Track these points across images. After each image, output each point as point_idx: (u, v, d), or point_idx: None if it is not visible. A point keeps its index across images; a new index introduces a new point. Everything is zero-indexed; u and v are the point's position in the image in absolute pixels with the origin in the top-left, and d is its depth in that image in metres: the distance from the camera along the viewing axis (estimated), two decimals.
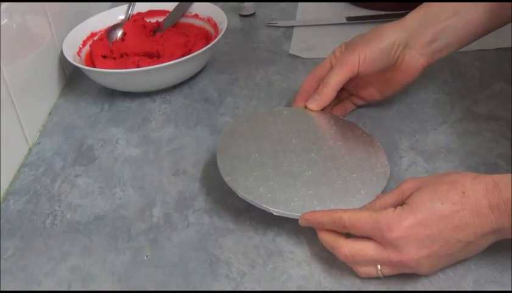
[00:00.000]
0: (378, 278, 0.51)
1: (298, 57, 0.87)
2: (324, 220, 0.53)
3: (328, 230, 0.53)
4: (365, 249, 0.50)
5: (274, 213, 0.56)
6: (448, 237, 0.48)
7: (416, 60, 0.67)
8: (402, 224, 0.48)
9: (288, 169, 0.60)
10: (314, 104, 0.67)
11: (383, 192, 0.58)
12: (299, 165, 0.60)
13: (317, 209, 0.55)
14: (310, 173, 0.59)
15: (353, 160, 0.61)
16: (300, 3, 1.02)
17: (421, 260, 0.49)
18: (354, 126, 0.67)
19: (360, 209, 0.54)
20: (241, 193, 0.57)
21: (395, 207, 0.50)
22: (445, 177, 0.51)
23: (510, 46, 0.81)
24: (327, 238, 0.53)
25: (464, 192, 0.49)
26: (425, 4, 0.67)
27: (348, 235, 0.52)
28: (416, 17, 0.66)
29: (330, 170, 0.60)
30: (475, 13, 0.65)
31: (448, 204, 0.48)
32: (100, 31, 0.89)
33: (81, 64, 0.81)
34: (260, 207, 0.56)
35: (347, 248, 0.51)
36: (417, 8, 0.67)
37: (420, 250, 0.48)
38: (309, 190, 0.57)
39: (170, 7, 0.92)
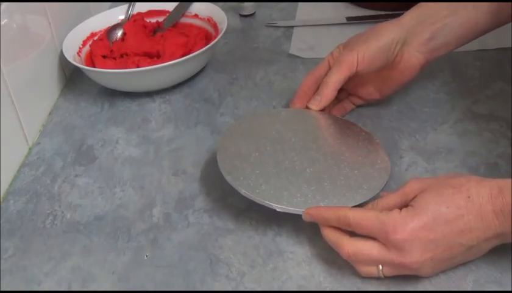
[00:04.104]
0: (378, 278, 0.51)
1: (298, 57, 0.87)
2: (329, 216, 0.53)
3: (332, 227, 0.53)
4: (368, 249, 0.50)
5: (277, 210, 0.56)
6: (452, 241, 0.49)
7: (414, 57, 0.67)
8: (407, 226, 0.48)
9: (289, 167, 0.60)
10: (315, 105, 0.67)
11: (384, 188, 0.58)
12: (300, 162, 0.60)
13: (321, 204, 0.55)
14: (311, 170, 0.59)
15: (353, 156, 0.61)
16: (300, 3, 1.02)
17: (424, 263, 0.49)
18: (352, 125, 0.68)
19: (365, 208, 0.54)
20: (244, 191, 0.57)
21: (399, 208, 0.50)
22: (450, 181, 0.51)
23: (510, 46, 0.81)
24: (331, 235, 0.53)
25: (469, 197, 0.49)
26: (423, 3, 0.67)
27: (352, 233, 0.52)
28: (413, 15, 0.67)
29: (331, 167, 0.60)
30: (474, 12, 0.65)
31: (453, 209, 0.48)
32: (100, 31, 0.89)
33: (81, 64, 0.81)
34: (263, 204, 0.56)
35: (350, 246, 0.51)
36: (415, 7, 0.67)
37: (423, 253, 0.48)
38: (311, 186, 0.57)
39: (170, 7, 0.92)
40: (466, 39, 0.67)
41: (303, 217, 0.55)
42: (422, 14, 0.66)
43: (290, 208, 0.55)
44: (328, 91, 0.66)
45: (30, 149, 0.73)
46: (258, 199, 0.56)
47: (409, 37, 0.66)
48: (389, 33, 0.66)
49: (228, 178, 0.59)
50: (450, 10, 0.65)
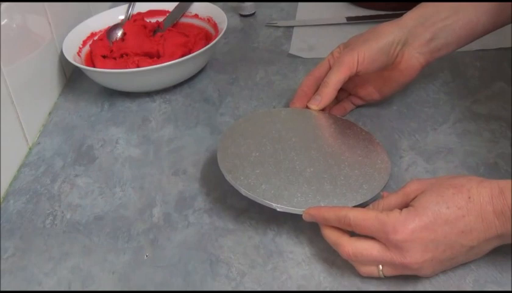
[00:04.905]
0: (379, 278, 0.51)
1: (298, 57, 0.87)
2: (329, 216, 0.53)
3: (332, 227, 0.53)
4: (368, 249, 0.50)
5: (278, 209, 0.56)
6: (452, 242, 0.48)
7: (414, 58, 0.67)
8: (408, 227, 0.48)
9: (289, 166, 0.60)
10: (315, 104, 0.67)
11: (384, 188, 0.58)
12: (300, 162, 0.60)
13: (321, 204, 0.55)
14: (312, 169, 0.59)
15: (353, 156, 0.61)
16: (300, 3, 1.02)
17: (424, 264, 0.49)
18: (352, 125, 0.68)
19: (366, 208, 0.54)
20: (244, 190, 0.57)
21: (400, 208, 0.50)
22: (450, 181, 0.51)
23: (510, 46, 0.81)
24: (331, 235, 0.53)
25: (469, 197, 0.48)
26: (423, 4, 0.67)
27: (352, 233, 0.52)
28: (414, 16, 0.67)
29: (331, 167, 0.60)
30: (474, 13, 0.65)
31: (454, 209, 0.48)
32: (100, 31, 0.89)
33: (81, 64, 0.81)
34: (263, 204, 0.56)
35: (350, 246, 0.51)
36: (415, 8, 0.67)
37: (424, 254, 0.48)
38: (311, 186, 0.57)
39: (170, 7, 0.92)
40: (467, 40, 0.67)
41: (304, 217, 0.55)
42: (422, 15, 0.66)
43: (290, 208, 0.55)
44: (329, 91, 0.66)
45: (30, 149, 0.73)
46: (258, 198, 0.56)
47: (409, 38, 0.66)
48: (389, 34, 0.66)
49: (228, 178, 0.59)
50: (451, 10, 0.65)
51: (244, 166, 0.60)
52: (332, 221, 0.53)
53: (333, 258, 0.54)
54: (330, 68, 0.68)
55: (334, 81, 0.66)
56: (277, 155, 0.61)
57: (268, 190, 0.57)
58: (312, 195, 0.56)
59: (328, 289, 0.52)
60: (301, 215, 0.55)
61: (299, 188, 0.57)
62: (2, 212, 0.64)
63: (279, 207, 0.55)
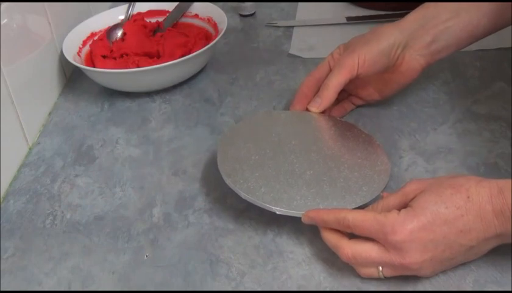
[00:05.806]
0: (379, 278, 0.51)
1: (298, 57, 0.87)
2: (328, 218, 0.53)
3: (332, 229, 0.53)
4: (367, 250, 0.50)
5: (277, 213, 0.55)
6: (452, 242, 0.48)
7: (415, 60, 0.67)
8: (406, 227, 0.48)
9: (289, 169, 0.60)
10: (315, 107, 0.67)
11: (384, 190, 0.58)
12: (300, 165, 0.60)
13: (320, 207, 0.55)
14: (311, 172, 0.59)
15: (353, 159, 0.61)
16: (300, 3, 1.02)
17: (423, 264, 0.49)
18: (352, 127, 0.68)
19: (365, 210, 0.54)
20: (243, 193, 0.57)
21: (399, 209, 0.50)
22: (449, 181, 0.51)
23: (510, 46, 0.81)
24: (330, 238, 0.53)
25: (468, 197, 0.48)
26: (424, 5, 0.67)
27: (351, 235, 0.52)
28: (415, 18, 0.66)
29: (331, 169, 0.60)
30: (475, 15, 0.65)
31: (453, 209, 0.48)
32: (100, 31, 0.89)
33: (81, 64, 0.81)
34: (263, 207, 0.56)
35: (349, 249, 0.51)
36: (416, 10, 0.67)
37: (423, 254, 0.48)
38: (311, 188, 0.57)
39: (170, 7, 0.92)
40: (467, 42, 0.67)
41: (303, 220, 0.55)
42: (423, 17, 0.66)
43: (290, 211, 0.55)
44: (329, 94, 0.66)
45: (30, 149, 0.73)
46: (257, 202, 0.56)
47: (410, 40, 0.66)
48: (390, 36, 0.66)
49: (228, 181, 0.58)
50: (452, 13, 0.65)
51: (243, 169, 0.60)
52: (331, 223, 0.53)
53: (333, 258, 0.54)
54: (330, 69, 0.68)
55: (335, 83, 0.66)
56: (277, 158, 0.61)
57: (267, 193, 0.57)
58: (312, 197, 0.56)
59: (328, 289, 0.52)
60: (300, 217, 0.55)
61: (298, 191, 0.57)
62: (2, 212, 0.64)
63: (278, 210, 0.55)
